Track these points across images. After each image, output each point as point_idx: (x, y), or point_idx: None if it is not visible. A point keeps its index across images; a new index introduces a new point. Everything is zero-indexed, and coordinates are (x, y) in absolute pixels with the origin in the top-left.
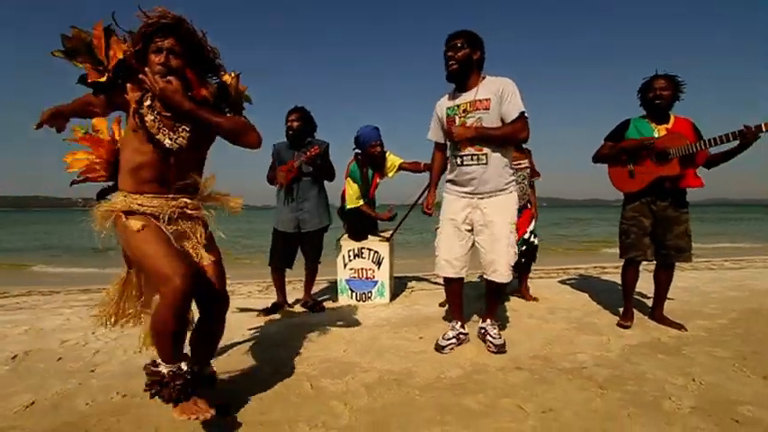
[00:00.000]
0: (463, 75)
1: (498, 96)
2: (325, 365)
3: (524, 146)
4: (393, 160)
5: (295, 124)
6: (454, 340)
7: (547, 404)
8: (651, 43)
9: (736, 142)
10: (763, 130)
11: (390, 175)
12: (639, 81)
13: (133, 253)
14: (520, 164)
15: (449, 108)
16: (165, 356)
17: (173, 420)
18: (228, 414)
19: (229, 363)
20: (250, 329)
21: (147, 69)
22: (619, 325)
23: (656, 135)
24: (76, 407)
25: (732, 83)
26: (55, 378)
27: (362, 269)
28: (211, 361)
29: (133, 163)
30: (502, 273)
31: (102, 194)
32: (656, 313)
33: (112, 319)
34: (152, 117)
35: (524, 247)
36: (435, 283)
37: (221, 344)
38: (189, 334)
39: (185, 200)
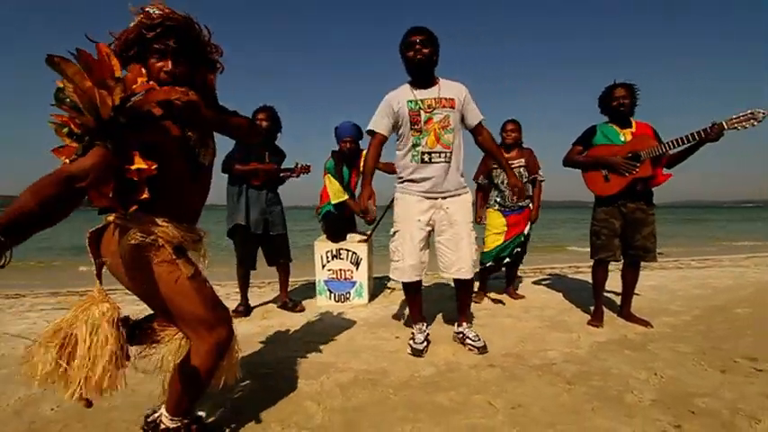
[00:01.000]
0: (427, 70)
1: (461, 100)
2: (300, 366)
3: (524, 144)
4: None
5: (265, 123)
6: (426, 342)
7: (516, 400)
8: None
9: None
10: (725, 127)
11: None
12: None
13: (178, 301)
14: (512, 163)
15: (411, 101)
16: (184, 410)
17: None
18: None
19: None
20: None
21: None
22: (589, 324)
23: (623, 139)
24: (41, 412)
25: (735, 84)
26: (18, 384)
27: (341, 270)
28: None
29: (169, 193)
30: (468, 270)
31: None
32: (624, 311)
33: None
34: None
35: (518, 249)
36: None
37: None
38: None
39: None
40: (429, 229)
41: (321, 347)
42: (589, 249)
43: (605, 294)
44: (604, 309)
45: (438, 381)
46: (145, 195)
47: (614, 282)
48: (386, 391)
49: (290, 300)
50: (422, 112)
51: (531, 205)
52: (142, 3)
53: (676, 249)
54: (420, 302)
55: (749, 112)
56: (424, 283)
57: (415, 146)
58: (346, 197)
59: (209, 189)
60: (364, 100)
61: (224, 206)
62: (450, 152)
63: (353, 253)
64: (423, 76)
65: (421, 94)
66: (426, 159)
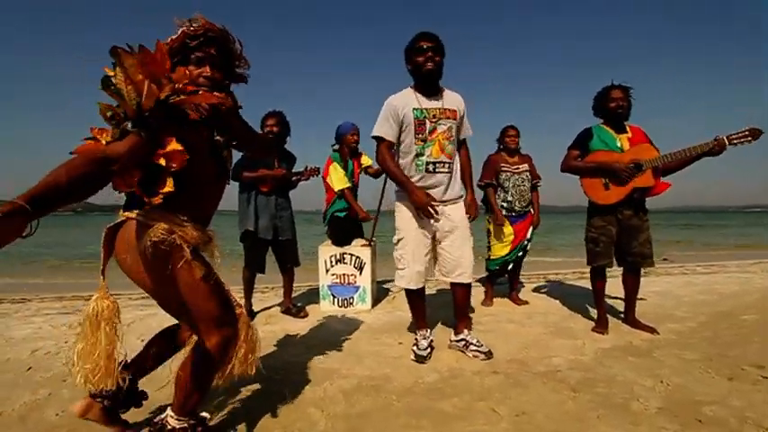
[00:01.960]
0: (435, 78)
1: (461, 112)
2: (304, 372)
3: (523, 150)
4: (365, 160)
5: (275, 129)
6: (429, 348)
7: (520, 407)
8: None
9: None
10: (726, 143)
11: (360, 170)
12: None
13: (192, 298)
14: (518, 168)
15: (416, 110)
16: (190, 410)
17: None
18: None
19: None
20: None
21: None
22: (594, 330)
23: (619, 145)
24: (46, 417)
25: (740, 84)
26: (23, 389)
27: (344, 275)
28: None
29: (193, 192)
30: (469, 274)
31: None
32: (628, 317)
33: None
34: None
35: (520, 254)
36: None
37: None
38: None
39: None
40: (432, 235)
41: (324, 353)
42: (586, 256)
43: (610, 300)
44: (609, 315)
45: (441, 387)
46: (169, 188)
47: (618, 288)
48: (389, 397)
49: (294, 305)
50: (427, 121)
51: (531, 210)
52: (186, 16)
53: (681, 255)
54: (423, 309)
55: (746, 129)
56: (427, 290)
57: (418, 155)
58: (349, 185)
59: (222, 194)
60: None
61: (235, 212)
62: (453, 162)
63: (357, 257)
64: (430, 84)
65: (426, 102)
66: (431, 169)
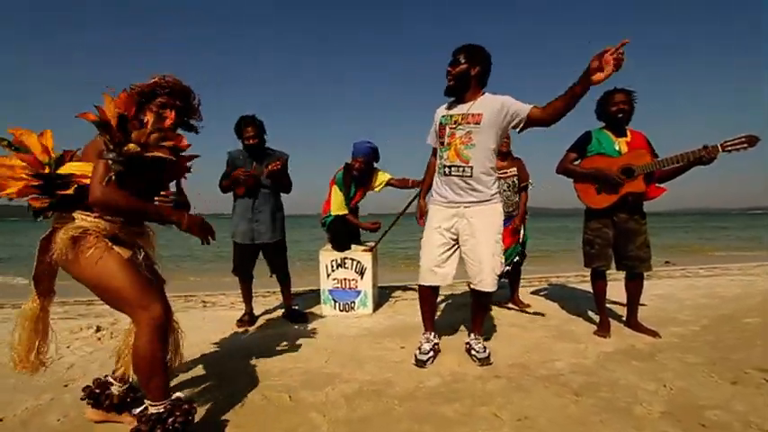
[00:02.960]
0: (460, 89)
1: (496, 112)
2: (305, 376)
3: (515, 154)
4: (382, 177)
5: (252, 135)
6: (432, 353)
7: (523, 411)
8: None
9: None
10: (720, 150)
11: (377, 189)
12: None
13: (106, 282)
14: (506, 173)
15: (443, 117)
16: (160, 392)
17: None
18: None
19: (207, 373)
20: (229, 340)
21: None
22: (596, 334)
23: (618, 148)
24: (48, 423)
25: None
26: (25, 394)
27: (345, 279)
28: (190, 371)
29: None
30: (488, 282)
31: (46, 210)
32: (630, 321)
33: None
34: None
35: (517, 258)
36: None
37: (201, 354)
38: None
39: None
40: (452, 237)
41: (326, 357)
42: (583, 259)
43: (612, 304)
44: (611, 318)
45: (443, 392)
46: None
47: (620, 291)
48: (391, 402)
49: (295, 309)
50: (447, 127)
51: (515, 213)
52: (160, 72)
53: (683, 258)
54: (431, 311)
55: (743, 136)
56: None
57: (441, 158)
58: (345, 212)
59: (155, 192)
60: (385, 106)
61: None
62: (470, 167)
63: (358, 262)
64: (451, 94)
65: (454, 109)
66: (447, 172)
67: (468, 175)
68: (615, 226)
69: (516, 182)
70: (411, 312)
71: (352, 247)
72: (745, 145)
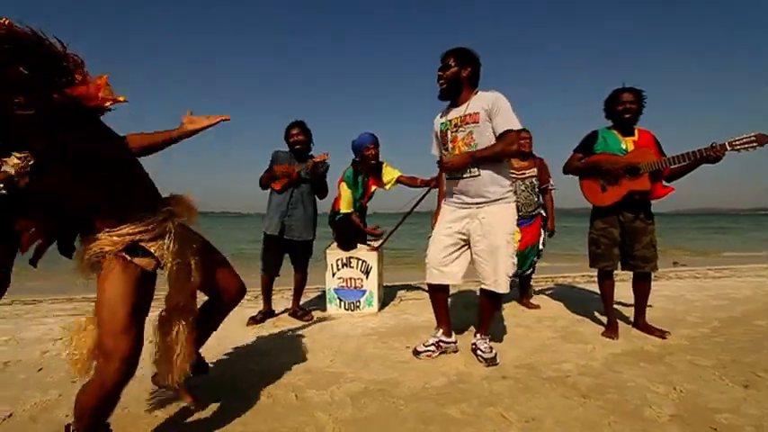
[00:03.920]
0: (453, 92)
1: (488, 110)
2: (311, 376)
3: (536, 153)
4: (392, 173)
5: (301, 138)
6: (432, 347)
7: (530, 413)
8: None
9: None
10: (728, 148)
11: (388, 187)
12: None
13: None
14: (524, 173)
15: (442, 123)
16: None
17: (157, 430)
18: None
19: (214, 372)
20: (236, 339)
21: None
22: (604, 335)
23: (624, 147)
24: (56, 418)
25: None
26: (34, 389)
27: (351, 278)
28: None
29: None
30: (500, 283)
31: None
32: (639, 322)
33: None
34: None
35: (535, 258)
36: (425, 291)
37: (207, 352)
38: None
39: None
40: (462, 237)
41: (331, 357)
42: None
43: (621, 305)
44: (619, 320)
45: (449, 392)
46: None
47: (628, 292)
48: (397, 402)
49: (300, 308)
50: (449, 131)
51: (543, 213)
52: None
53: (692, 259)
54: (441, 307)
55: (753, 135)
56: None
57: None
58: (352, 210)
59: (134, 175)
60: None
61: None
62: (478, 172)
63: (364, 261)
64: (449, 99)
65: (450, 114)
66: (456, 175)
67: (477, 174)
68: (621, 225)
69: (535, 182)
70: (417, 312)
71: (358, 246)
72: (755, 144)
